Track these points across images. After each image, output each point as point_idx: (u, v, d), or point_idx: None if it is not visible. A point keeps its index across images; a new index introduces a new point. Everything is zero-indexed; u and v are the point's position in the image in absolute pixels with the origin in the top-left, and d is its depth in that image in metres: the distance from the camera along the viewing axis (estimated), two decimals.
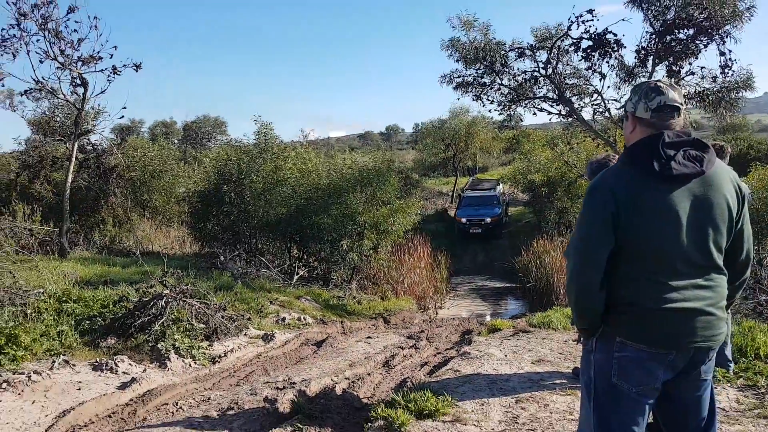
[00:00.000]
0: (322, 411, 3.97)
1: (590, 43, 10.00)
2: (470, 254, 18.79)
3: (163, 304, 5.77)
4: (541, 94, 11.56)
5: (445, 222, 22.79)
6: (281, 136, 13.75)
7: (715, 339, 2.02)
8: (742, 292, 2.44)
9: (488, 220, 19.64)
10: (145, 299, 5.91)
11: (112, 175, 13.51)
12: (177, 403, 4.20)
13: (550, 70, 10.88)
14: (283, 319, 7.64)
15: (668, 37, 9.98)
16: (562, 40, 10.69)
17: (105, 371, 4.76)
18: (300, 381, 4.63)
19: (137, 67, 10.22)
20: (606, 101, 10.87)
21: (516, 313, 11.46)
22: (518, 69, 11.48)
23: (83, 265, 8.76)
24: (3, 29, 9.25)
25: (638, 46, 10.32)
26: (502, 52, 11.41)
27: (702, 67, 10.23)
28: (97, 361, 4.89)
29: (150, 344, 5.40)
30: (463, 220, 19.95)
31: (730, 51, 9.66)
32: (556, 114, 11.52)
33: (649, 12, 10.33)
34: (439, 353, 6.03)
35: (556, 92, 11.09)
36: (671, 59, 10.08)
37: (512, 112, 12.36)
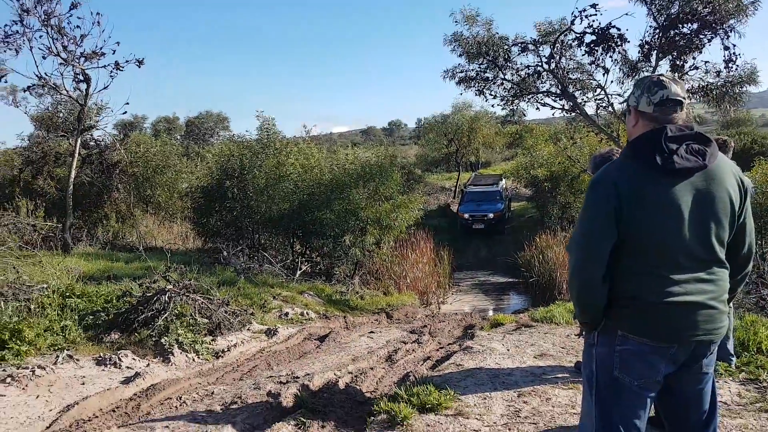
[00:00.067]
0: (325, 405, 3.99)
1: (593, 37, 9.96)
2: (473, 249, 18.78)
3: (166, 299, 5.79)
4: (545, 89, 11.52)
5: (448, 217, 22.76)
6: (283, 133, 13.74)
7: (717, 332, 2.02)
8: (744, 285, 2.44)
9: (491, 215, 19.59)
10: (148, 294, 5.92)
11: (115, 170, 13.52)
12: (180, 398, 4.22)
13: (553, 65, 10.85)
14: (286, 314, 7.67)
15: (672, 32, 9.93)
16: (566, 35, 10.64)
17: (109, 366, 4.79)
18: (303, 375, 4.65)
19: (140, 62, 10.24)
20: (609, 96, 10.85)
21: (518, 308, 11.46)
22: (521, 64, 11.47)
23: (86, 261, 8.79)
24: (6, 25, 9.31)
25: (642, 40, 10.28)
26: (505, 47, 11.37)
27: (706, 62, 10.20)
28: (100, 356, 4.91)
29: (153, 339, 5.42)
30: (466, 215, 19.91)
31: (734, 45, 9.63)
32: (559, 109, 11.48)
33: (653, 6, 10.27)
34: (441, 348, 6.04)
35: (560, 87, 11.05)
36: (675, 54, 10.04)
37: (515, 107, 12.34)
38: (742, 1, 9.51)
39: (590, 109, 11.35)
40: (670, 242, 1.97)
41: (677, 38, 9.92)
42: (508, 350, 5.18)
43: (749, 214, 2.12)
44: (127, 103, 10.95)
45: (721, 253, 2.04)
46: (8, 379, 4.12)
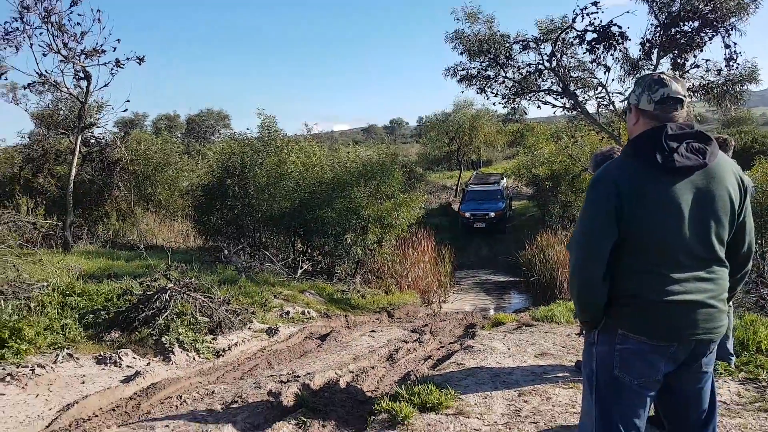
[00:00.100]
0: (326, 404, 3.98)
1: (595, 35, 9.93)
2: (474, 248, 18.78)
3: (167, 297, 5.79)
4: (546, 87, 11.50)
5: (449, 216, 22.76)
6: (284, 131, 13.74)
7: (717, 331, 2.02)
8: (744, 284, 2.45)
9: (492, 214, 19.59)
10: (149, 293, 5.92)
11: (116, 168, 13.53)
12: (181, 397, 4.22)
13: (554, 63, 10.82)
14: (287, 312, 7.66)
15: (673, 30, 9.90)
16: (567, 33, 10.61)
17: (109, 365, 4.78)
18: (304, 374, 4.64)
19: (140, 60, 10.21)
20: (610, 94, 10.82)
21: (519, 307, 11.46)
22: (523, 62, 11.43)
23: (87, 259, 8.79)
24: (6, 22, 9.26)
25: (643, 38, 10.25)
26: (507, 45, 11.34)
27: (707, 60, 10.17)
28: (101, 355, 4.91)
29: (154, 338, 5.41)
30: (467, 214, 19.91)
31: (735, 44, 9.60)
32: (561, 107, 11.45)
33: (654, 4, 10.24)
34: (442, 347, 6.04)
35: (561, 85, 11.03)
36: (676, 52, 10.01)
37: (516, 105, 12.32)
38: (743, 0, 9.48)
39: (591, 107, 11.34)
40: (670, 241, 1.96)
41: (678, 36, 9.89)
42: (509, 349, 5.18)
43: (749, 212, 2.12)
44: (128, 101, 10.88)
45: (721, 252, 2.04)
46: (8, 378, 4.12)
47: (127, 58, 10.08)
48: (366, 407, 3.92)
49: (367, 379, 4.66)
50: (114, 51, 9.90)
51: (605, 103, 10.98)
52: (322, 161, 12.36)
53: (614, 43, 9.86)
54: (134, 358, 4.99)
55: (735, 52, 9.59)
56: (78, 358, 4.78)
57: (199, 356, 5.42)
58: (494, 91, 11.82)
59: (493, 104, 30.78)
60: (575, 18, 10.12)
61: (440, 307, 11.69)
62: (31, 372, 4.25)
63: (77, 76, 10.04)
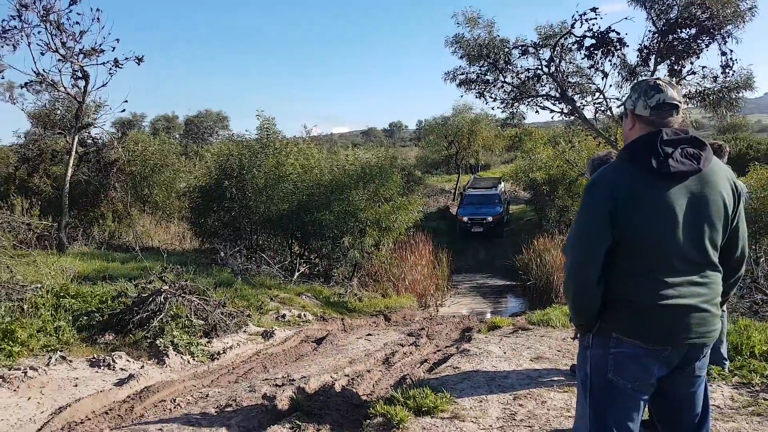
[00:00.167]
0: (321, 408, 3.96)
1: (593, 41, 9.98)
2: (471, 252, 18.78)
3: (161, 300, 5.76)
4: (544, 92, 11.54)
5: (447, 219, 22.77)
6: (283, 132, 13.74)
7: (710, 335, 2.03)
8: (737, 289, 2.46)
9: (490, 219, 19.61)
10: (143, 295, 5.89)
11: (113, 169, 13.47)
12: (175, 400, 4.19)
13: (552, 68, 10.86)
14: (283, 316, 7.64)
15: (671, 37, 9.97)
16: (566, 38, 10.66)
17: (102, 367, 4.75)
18: (299, 378, 4.62)
19: (139, 60, 10.19)
20: (608, 100, 10.87)
21: (516, 311, 11.46)
22: (521, 67, 11.49)
23: (82, 260, 8.75)
24: (3, 20, 9.22)
25: (641, 44, 10.32)
26: (506, 50, 11.39)
27: (703, 67, 10.24)
28: (94, 358, 4.88)
29: (148, 340, 5.38)
30: (465, 219, 19.92)
31: (731, 51, 9.68)
32: (558, 112, 11.50)
33: (652, 11, 10.31)
34: (439, 350, 6.03)
35: (559, 90, 11.07)
36: (673, 58, 10.07)
37: (515, 110, 12.36)
38: (739, 7, 9.55)
39: (589, 112, 11.39)
40: (664, 245, 1.97)
41: (675, 43, 9.96)
42: (505, 353, 5.17)
43: (742, 218, 2.14)
44: (126, 101, 10.87)
45: (715, 257, 2.05)
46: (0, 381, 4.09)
47: (126, 58, 10.08)
48: (361, 411, 3.90)
49: (362, 382, 4.64)
50: (113, 51, 9.91)
51: (603, 108, 11.04)
52: (320, 163, 12.35)
53: (612, 49, 9.91)
54: (128, 360, 4.96)
55: (731, 59, 9.66)
56: (71, 361, 4.75)
57: (193, 359, 5.39)
58: (493, 95, 11.88)
59: (492, 109, 30.76)
60: (574, 24, 10.19)
61: (437, 311, 11.67)
62: (23, 374, 4.22)
63: (75, 76, 10.01)
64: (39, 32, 9.32)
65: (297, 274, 10.67)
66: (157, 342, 5.34)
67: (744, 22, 9.65)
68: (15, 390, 4.03)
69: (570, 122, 13.43)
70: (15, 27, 9.16)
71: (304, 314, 7.94)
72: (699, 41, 9.80)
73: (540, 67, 11.05)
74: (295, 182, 11.51)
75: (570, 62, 11.24)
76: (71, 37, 9.55)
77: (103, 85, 10.27)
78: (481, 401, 3.83)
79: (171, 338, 5.43)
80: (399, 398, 3.69)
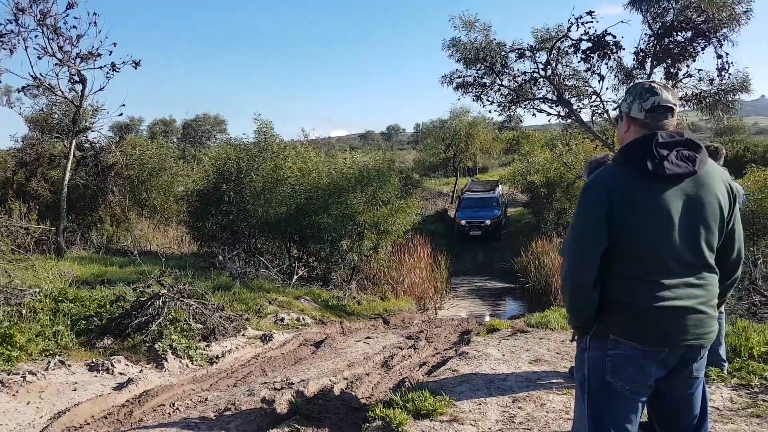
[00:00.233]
0: (320, 411, 3.97)
1: (589, 44, 10.01)
2: (470, 255, 18.80)
3: (160, 304, 5.76)
4: (541, 95, 11.56)
5: (445, 222, 22.79)
6: (281, 136, 13.74)
7: (707, 337, 2.04)
8: (733, 290, 2.47)
9: (488, 222, 19.65)
10: (142, 299, 5.89)
11: (110, 173, 13.48)
12: (174, 404, 4.19)
13: (549, 72, 10.89)
14: (282, 319, 7.63)
15: (667, 40, 10.01)
16: (562, 42, 10.70)
17: (101, 372, 4.75)
18: (298, 381, 4.62)
19: (136, 64, 10.20)
20: (604, 103, 10.90)
21: (514, 314, 11.47)
22: (518, 70, 11.50)
23: (80, 265, 8.73)
24: (0, 25, 9.20)
25: (637, 48, 10.35)
26: (503, 53, 11.42)
27: (699, 70, 10.27)
28: (93, 362, 4.87)
29: (147, 344, 5.38)
30: (463, 222, 19.95)
31: (727, 54, 9.70)
32: (555, 115, 11.53)
33: (648, 14, 10.35)
34: (437, 353, 6.04)
35: (556, 93, 11.10)
36: (669, 61, 10.10)
37: (512, 113, 12.37)
38: (735, 11, 9.60)
39: (586, 115, 11.40)
40: (660, 247, 1.98)
41: (672, 46, 9.99)
42: (504, 355, 5.17)
43: (738, 220, 2.15)
44: (123, 105, 10.94)
45: (711, 258, 2.06)
46: None
47: (123, 62, 10.08)
48: (360, 414, 3.91)
49: (361, 385, 4.65)
50: (110, 55, 9.86)
51: (599, 111, 11.06)
52: (318, 167, 12.35)
53: (608, 52, 9.94)
54: (127, 365, 4.95)
55: (727, 62, 9.69)
56: (70, 365, 4.74)
57: (192, 363, 5.38)
58: (490, 98, 11.89)
59: (489, 112, 30.86)
60: (570, 27, 10.21)
61: (436, 314, 11.67)
62: (22, 379, 4.22)
63: (72, 80, 10.01)
64: (36, 36, 9.31)
65: (295, 277, 10.67)
66: (156, 346, 5.33)
67: (739, 25, 9.69)
68: (14, 395, 4.03)
69: (567, 125, 13.49)
70: (12, 31, 9.14)
71: (303, 318, 7.94)
72: (695, 44, 9.84)
73: (537, 70, 11.09)
74: (293, 185, 11.52)
75: (566, 65, 11.28)
76: (68, 41, 9.55)
77: (100, 89, 10.26)
78: (480, 404, 3.84)
79: (170, 342, 5.43)
80: (398, 401, 3.69)
